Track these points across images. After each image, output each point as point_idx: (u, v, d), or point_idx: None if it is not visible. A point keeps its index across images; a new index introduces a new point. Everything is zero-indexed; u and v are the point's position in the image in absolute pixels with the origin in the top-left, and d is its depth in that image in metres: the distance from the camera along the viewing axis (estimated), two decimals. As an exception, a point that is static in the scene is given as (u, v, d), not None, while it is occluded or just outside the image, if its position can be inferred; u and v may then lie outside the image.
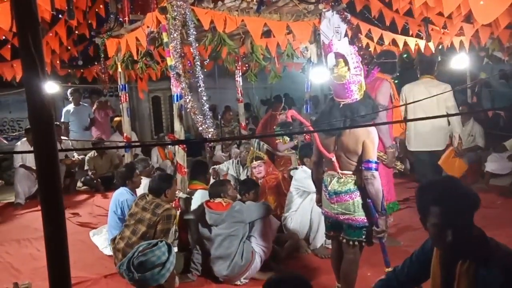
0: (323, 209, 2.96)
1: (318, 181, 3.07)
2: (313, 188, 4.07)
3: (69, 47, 6.70)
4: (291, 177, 4.59)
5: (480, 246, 1.71)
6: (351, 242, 2.82)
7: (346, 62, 2.64)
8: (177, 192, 3.85)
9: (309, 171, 4.21)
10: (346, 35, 4.55)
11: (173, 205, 3.74)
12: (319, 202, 3.12)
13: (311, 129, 3.09)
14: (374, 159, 2.64)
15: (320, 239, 4.03)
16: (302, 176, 4.18)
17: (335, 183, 2.79)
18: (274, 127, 5.99)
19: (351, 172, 2.76)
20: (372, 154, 2.63)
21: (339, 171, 2.78)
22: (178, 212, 3.84)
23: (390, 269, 2.86)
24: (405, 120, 4.79)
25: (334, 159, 2.79)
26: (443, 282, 1.81)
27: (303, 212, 4.14)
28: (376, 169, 2.65)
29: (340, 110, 2.75)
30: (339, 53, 2.66)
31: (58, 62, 7.10)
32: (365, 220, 2.75)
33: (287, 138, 5.99)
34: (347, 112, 2.71)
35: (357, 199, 2.75)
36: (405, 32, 6.21)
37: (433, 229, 1.75)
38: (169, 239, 3.56)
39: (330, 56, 2.72)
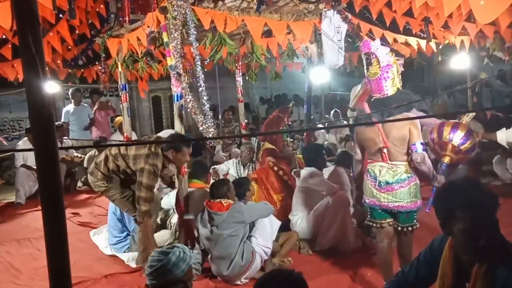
0: (368, 199, 3.03)
1: (360, 178, 3.20)
2: (319, 187, 4.12)
3: (69, 47, 6.69)
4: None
5: (502, 248, 1.63)
6: (405, 229, 2.95)
7: (378, 61, 2.88)
8: None
9: (311, 170, 4.21)
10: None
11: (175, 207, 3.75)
12: (358, 198, 3.24)
13: (312, 128, 3.17)
14: (420, 140, 2.84)
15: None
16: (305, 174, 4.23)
17: (386, 174, 2.93)
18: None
19: (401, 162, 2.91)
20: (417, 137, 2.85)
21: (389, 162, 2.93)
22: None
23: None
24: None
25: (385, 150, 2.93)
26: (454, 283, 1.72)
27: (318, 212, 4.09)
28: (424, 150, 2.85)
29: (372, 104, 2.98)
30: (373, 53, 2.90)
31: (59, 62, 7.09)
32: (414, 206, 2.90)
33: (290, 140, 5.98)
34: (378, 106, 2.93)
35: (407, 187, 2.88)
36: (406, 32, 6.20)
37: (463, 235, 1.63)
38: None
39: (366, 55, 2.95)
